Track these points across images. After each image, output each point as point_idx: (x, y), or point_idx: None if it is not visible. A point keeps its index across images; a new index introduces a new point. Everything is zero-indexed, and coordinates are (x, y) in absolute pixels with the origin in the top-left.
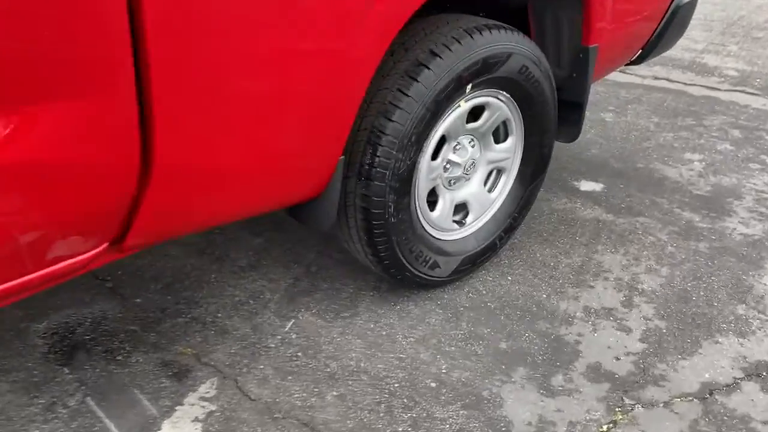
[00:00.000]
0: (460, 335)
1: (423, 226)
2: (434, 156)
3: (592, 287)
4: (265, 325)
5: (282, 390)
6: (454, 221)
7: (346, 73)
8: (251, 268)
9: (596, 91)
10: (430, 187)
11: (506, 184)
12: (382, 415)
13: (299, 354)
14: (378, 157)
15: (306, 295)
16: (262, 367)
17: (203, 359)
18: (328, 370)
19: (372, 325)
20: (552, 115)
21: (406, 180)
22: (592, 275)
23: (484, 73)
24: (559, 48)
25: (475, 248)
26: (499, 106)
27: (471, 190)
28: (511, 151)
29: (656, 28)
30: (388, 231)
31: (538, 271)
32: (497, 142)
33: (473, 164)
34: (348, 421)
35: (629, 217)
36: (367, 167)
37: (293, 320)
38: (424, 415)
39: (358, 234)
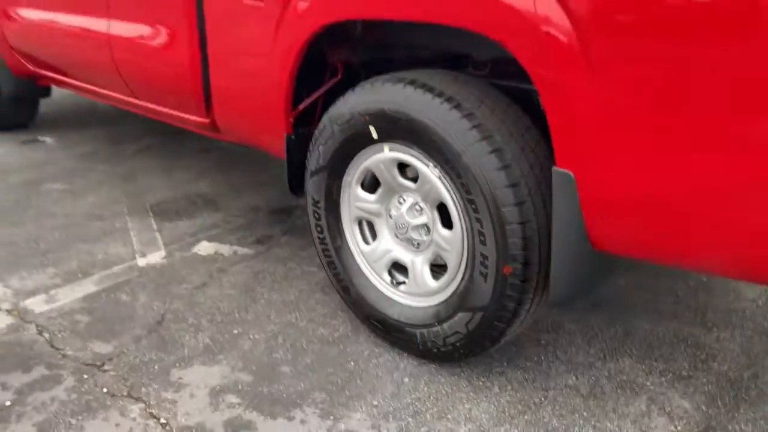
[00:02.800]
0: None
1: (349, 245)
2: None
3: None
4: None
5: None
6: (391, 277)
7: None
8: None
9: None
10: (356, 217)
11: (447, 298)
12: None
13: None
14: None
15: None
16: None
17: None
18: None
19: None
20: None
21: (320, 188)
22: None
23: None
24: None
25: (398, 318)
26: (427, 174)
27: (414, 258)
28: (454, 249)
29: None
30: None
31: None
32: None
33: (421, 235)
34: None
35: None
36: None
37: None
38: None
39: None
